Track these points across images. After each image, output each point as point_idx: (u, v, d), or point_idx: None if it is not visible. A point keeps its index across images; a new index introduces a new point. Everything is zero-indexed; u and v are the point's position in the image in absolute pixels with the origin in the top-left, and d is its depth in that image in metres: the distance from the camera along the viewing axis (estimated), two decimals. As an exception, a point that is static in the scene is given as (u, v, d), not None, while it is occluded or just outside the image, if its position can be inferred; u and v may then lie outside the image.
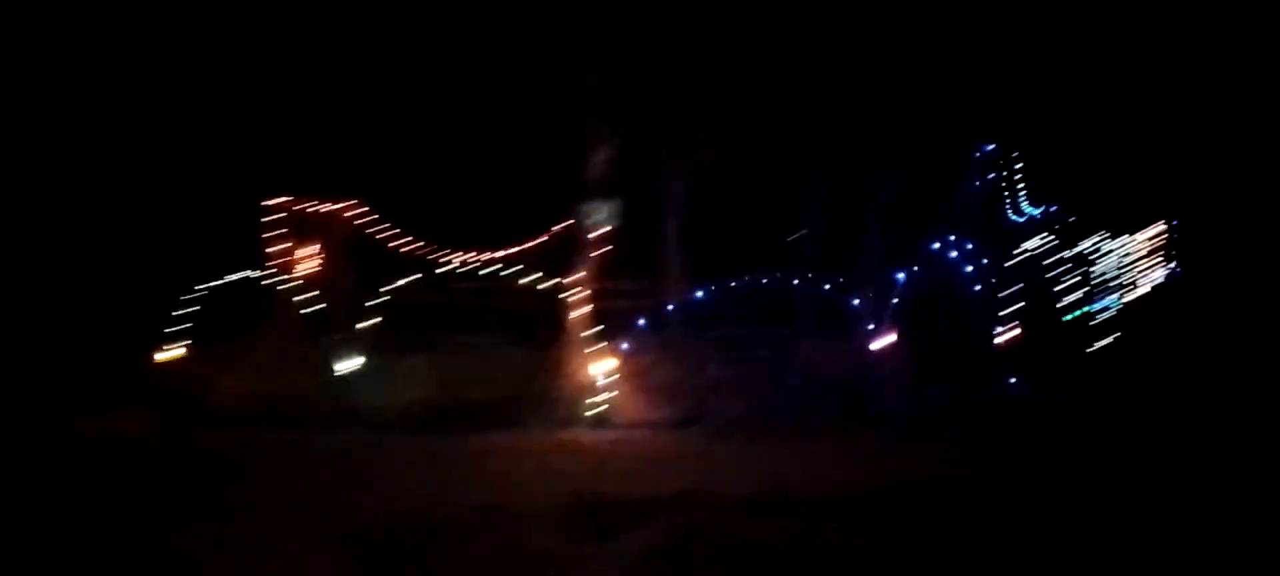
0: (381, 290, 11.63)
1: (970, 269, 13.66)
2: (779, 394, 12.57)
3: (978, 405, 12.43)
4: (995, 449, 9.69)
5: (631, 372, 11.66)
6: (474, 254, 12.03)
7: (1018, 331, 14.11)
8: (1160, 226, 30.27)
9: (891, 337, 11.97)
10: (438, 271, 11.96)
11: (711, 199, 15.20)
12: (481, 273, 11.91)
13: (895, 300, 12.39)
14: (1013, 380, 13.75)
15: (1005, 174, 22.25)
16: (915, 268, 13.58)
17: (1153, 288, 28.43)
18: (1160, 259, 31.54)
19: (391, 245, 11.99)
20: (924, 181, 18.98)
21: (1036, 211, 24.49)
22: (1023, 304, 15.99)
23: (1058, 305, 16.25)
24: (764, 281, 13.20)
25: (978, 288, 13.70)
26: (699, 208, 14.78)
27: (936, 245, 13.21)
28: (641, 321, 12.28)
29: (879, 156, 16.37)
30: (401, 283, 11.74)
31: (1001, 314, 14.06)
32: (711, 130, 12.67)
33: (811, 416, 11.65)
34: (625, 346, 11.91)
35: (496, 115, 13.47)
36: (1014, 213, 23.36)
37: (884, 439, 10.50)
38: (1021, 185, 22.23)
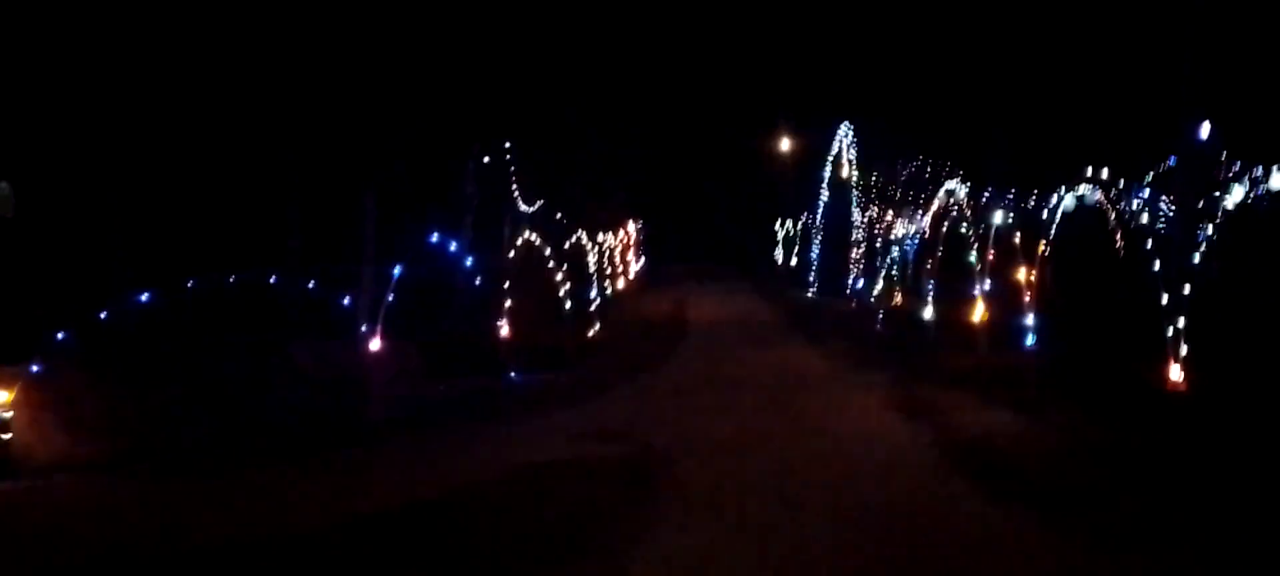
0: None
1: (469, 263, 13.17)
2: (258, 411, 10.78)
3: (476, 401, 11.96)
4: (481, 452, 9.28)
5: (41, 402, 8.89)
6: None
7: (512, 326, 14.04)
8: (634, 224, 33.90)
9: (377, 339, 10.86)
10: None
11: (162, 182, 12.62)
12: None
13: (391, 297, 11.30)
14: (513, 374, 13.61)
15: (507, 170, 22.56)
16: (410, 263, 12.68)
17: (632, 278, 31.71)
18: (638, 252, 35.27)
19: None
20: (421, 174, 18.30)
21: (530, 209, 25.31)
22: (520, 297, 16.14)
23: (558, 297, 16.70)
24: (233, 280, 11.16)
25: (478, 282, 13.27)
26: (146, 193, 12.16)
27: (434, 238, 12.39)
28: (60, 334, 9.48)
29: (370, 146, 15.21)
30: None
31: (502, 308, 13.85)
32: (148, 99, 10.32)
33: (298, 434, 10.10)
34: (33, 368, 9.06)
35: None
36: (513, 210, 23.83)
37: (372, 456, 9.39)
38: (516, 184, 22.71)
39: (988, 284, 11.54)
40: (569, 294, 16.72)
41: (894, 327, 17.16)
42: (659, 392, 12.20)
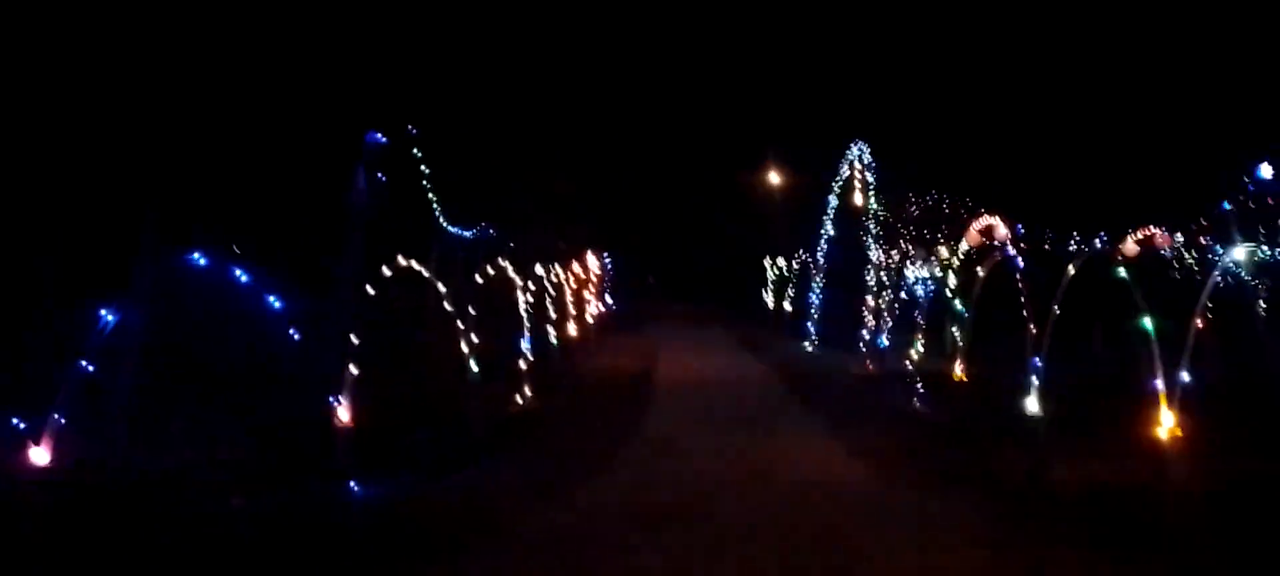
0: None
1: (279, 305, 7.72)
2: None
3: (260, 548, 6.54)
4: None
5: None
6: None
7: (366, 404, 8.64)
8: (596, 257, 28.60)
9: (43, 453, 5.51)
10: None
11: None
12: None
13: (85, 365, 5.96)
14: (354, 484, 8.18)
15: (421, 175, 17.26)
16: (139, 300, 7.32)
17: (593, 321, 26.32)
18: (602, 289, 29.94)
19: None
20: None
21: (465, 233, 19.87)
22: (393, 355, 10.80)
23: (458, 355, 11.39)
24: None
25: (296, 336, 7.83)
26: None
27: (201, 262, 6.95)
28: None
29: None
30: None
31: (341, 377, 8.44)
32: None
33: None
34: None
35: None
36: (439, 230, 18.38)
37: None
38: (433, 194, 17.36)
39: (1185, 375, 6.28)
40: (479, 349, 11.42)
41: (943, 406, 12.00)
42: (583, 546, 6.81)
